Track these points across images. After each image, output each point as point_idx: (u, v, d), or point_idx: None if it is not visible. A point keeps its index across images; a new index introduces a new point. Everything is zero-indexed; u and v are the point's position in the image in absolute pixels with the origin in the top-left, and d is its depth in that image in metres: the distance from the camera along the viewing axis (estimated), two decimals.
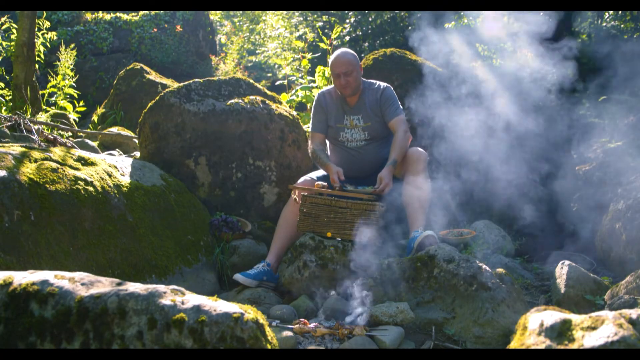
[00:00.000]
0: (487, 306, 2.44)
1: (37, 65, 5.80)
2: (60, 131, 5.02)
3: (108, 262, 2.68)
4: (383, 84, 3.50)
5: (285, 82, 6.20)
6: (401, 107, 3.45)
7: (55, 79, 5.99)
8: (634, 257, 3.12)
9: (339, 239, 2.96)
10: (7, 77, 5.93)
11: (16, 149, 2.72)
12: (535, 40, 4.14)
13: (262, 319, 1.62)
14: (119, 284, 1.62)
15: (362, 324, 2.43)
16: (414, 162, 3.25)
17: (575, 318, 1.39)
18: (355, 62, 3.36)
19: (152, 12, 10.22)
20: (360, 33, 9.85)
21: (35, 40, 5.63)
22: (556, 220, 3.88)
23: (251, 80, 4.19)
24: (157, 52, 9.92)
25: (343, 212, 2.95)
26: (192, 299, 1.56)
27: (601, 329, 1.32)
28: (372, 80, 3.54)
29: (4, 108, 5.27)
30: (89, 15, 10.05)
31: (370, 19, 9.92)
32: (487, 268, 2.59)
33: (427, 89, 4.10)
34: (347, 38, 9.72)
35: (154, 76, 6.98)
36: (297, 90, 5.23)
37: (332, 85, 3.59)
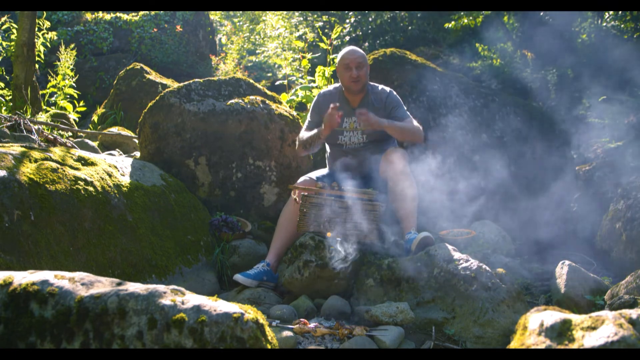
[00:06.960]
0: (487, 306, 2.44)
1: (37, 65, 5.79)
2: (60, 131, 5.02)
3: (108, 262, 2.68)
4: (387, 88, 3.47)
5: (285, 82, 6.20)
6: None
7: (55, 79, 5.98)
8: (634, 257, 3.12)
9: (338, 238, 2.96)
10: (7, 77, 5.93)
11: (16, 149, 2.72)
12: None
13: (262, 319, 1.62)
14: (119, 284, 1.62)
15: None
16: (395, 161, 3.18)
17: (575, 318, 1.39)
18: (366, 58, 3.38)
19: (152, 12, 10.22)
20: (360, 33, 9.85)
21: (35, 40, 5.62)
22: (556, 220, 3.88)
23: (251, 80, 4.19)
24: (157, 52, 9.91)
25: (343, 212, 2.95)
26: (192, 299, 1.56)
27: (601, 329, 1.32)
28: (373, 84, 3.50)
29: (4, 108, 5.26)
30: (89, 15, 10.04)
31: (370, 19, 9.92)
32: (487, 268, 2.59)
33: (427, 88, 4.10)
34: (347, 38, 9.71)
35: (154, 76, 6.98)
36: (297, 90, 5.22)
37: (333, 86, 3.57)
